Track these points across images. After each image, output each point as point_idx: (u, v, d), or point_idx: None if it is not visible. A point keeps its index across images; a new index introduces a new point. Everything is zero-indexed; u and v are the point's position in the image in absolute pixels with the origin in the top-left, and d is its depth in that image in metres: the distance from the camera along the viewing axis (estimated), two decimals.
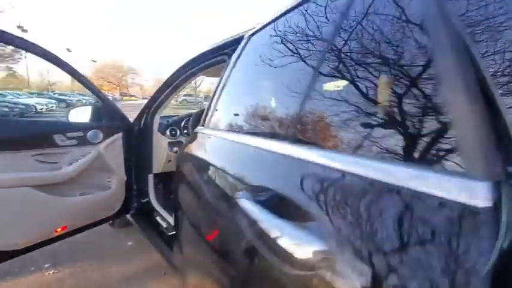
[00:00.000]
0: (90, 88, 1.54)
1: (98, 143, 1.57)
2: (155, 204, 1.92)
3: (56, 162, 1.40)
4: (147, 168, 1.93)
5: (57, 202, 1.39)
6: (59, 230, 1.45)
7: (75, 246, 2.07)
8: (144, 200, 1.94)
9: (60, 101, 19.85)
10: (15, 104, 12.56)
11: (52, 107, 16.82)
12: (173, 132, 1.97)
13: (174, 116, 2.26)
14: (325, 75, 0.56)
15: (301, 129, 0.57)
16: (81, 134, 1.48)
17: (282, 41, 0.77)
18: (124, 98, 43.50)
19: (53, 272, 1.88)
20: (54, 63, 1.37)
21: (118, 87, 54.76)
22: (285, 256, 0.41)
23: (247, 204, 0.52)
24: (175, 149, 1.94)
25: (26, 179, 1.25)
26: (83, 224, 1.56)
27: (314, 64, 0.59)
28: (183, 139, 2.03)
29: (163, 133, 1.93)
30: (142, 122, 1.92)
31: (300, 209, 0.44)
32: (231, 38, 1.14)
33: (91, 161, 1.50)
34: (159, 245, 1.63)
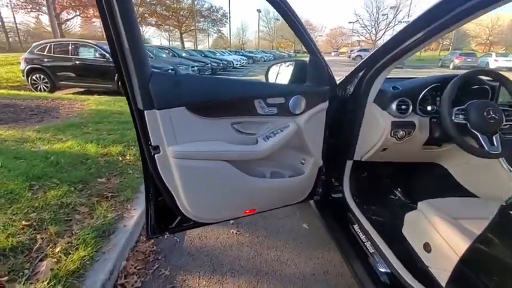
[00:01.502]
0: (298, 34, 1.10)
1: (299, 114, 1.16)
2: (350, 200, 1.41)
3: (252, 134, 1.12)
4: (346, 151, 1.40)
5: (250, 182, 1.14)
6: (248, 211, 1.24)
7: (256, 220, 2.04)
8: (336, 195, 1.48)
9: (249, 57, 23.32)
10: (220, 60, 15.80)
11: (244, 63, 20.05)
12: (402, 107, 1.26)
13: (407, 78, 1.51)
14: None
15: None
16: (282, 100, 1.11)
17: None
18: (298, 55, 45.57)
19: (236, 232, 1.88)
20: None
21: (293, 44, 57.92)
22: None
23: None
24: (400, 133, 1.26)
25: (226, 153, 1.02)
26: (270, 207, 1.31)
27: None
28: (416, 120, 1.31)
29: (385, 107, 1.27)
30: (350, 88, 1.34)
31: None
32: None
33: (289, 137, 1.13)
34: (352, 262, 1.16)
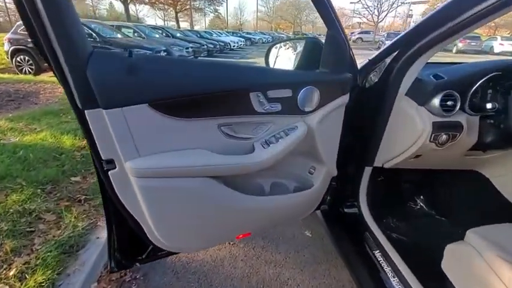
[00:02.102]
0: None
1: (310, 112, 0.87)
2: (367, 216, 1.15)
3: (247, 138, 0.83)
4: (365, 155, 1.12)
5: (243, 202, 0.87)
6: (240, 236, 0.97)
7: None
8: (349, 209, 1.21)
9: (246, 39, 22.44)
10: (217, 41, 15.10)
11: (241, 44, 19.26)
12: (448, 103, 0.95)
13: (451, 64, 1.17)
14: None
15: None
16: (288, 93, 0.81)
17: None
18: (296, 37, 44.31)
19: (230, 243, 1.64)
20: None
21: (292, 25, 56.23)
22: None
23: None
24: (443, 137, 0.96)
25: (210, 168, 0.74)
26: (269, 228, 1.04)
27: None
28: (464, 120, 1.01)
29: (424, 102, 0.98)
30: (374, 76, 1.04)
31: None
32: None
33: (297, 142, 0.85)
34: None
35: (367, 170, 1.15)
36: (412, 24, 0.92)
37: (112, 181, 0.71)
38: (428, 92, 0.96)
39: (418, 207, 1.42)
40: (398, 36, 0.97)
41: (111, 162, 0.69)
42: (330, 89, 0.88)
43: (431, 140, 0.96)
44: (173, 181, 0.74)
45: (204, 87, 0.72)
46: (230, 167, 0.79)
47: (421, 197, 1.45)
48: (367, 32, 28.71)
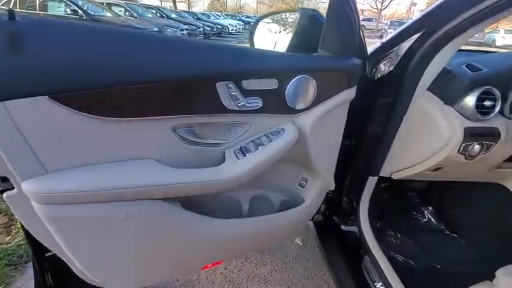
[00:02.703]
0: None
1: (303, 110, 0.64)
2: (367, 235, 0.95)
3: (215, 144, 0.61)
4: (369, 163, 0.91)
5: (211, 228, 0.66)
6: (209, 266, 0.77)
7: None
8: (347, 226, 1.01)
9: (246, 22, 21.61)
10: (214, 24, 14.46)
11: (240, 28, 18.52)
12: (485, 104, 0.72)
13: (473, 52, 0.93)
14: None
15: None
16: (273, 84, 0.59)
17: None
18: None
19: None
20: None
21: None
22: None
23: None
24: (475, 148, 0.74)
25: (156, 188, 0.52)
26: (248, 252, 0.84)
27: None
28: (502, 125, 0.78)
29: (453, 100, 0.74)
30: (387, 64, 0.82)
31: None
32: None
33: (283, 150, 0.62)
34: None
35: (371, 181, 0.94)
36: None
37: (10, 205, 0.49)
38: (460, 88, 0.73)
39: (429, 224, 1.23)
40: (424, 12, 0.73)
41: (5, 180, 0.47)
42: (331, 79, 0.66)
43: (460, 151, 0.74)
44: (102, 208, 0.52)
45: (146, 73, 0.49)
46: (189, 186, 0.57)
47: (432, 211, 1.26)
48: (369, 20, 27.85)
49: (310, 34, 0.73)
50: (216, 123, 0.61)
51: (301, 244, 1.55)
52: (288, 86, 0.61)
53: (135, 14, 8.77)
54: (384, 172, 0.93)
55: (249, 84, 0.57)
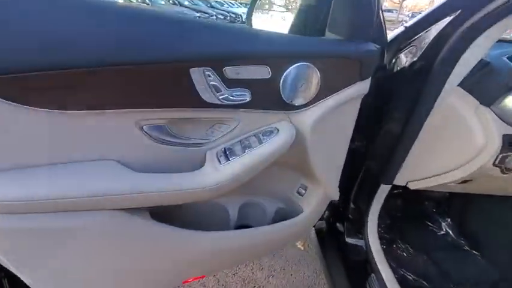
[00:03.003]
0: None
1: (301, 106, 0.52)
2: (375, 251, 0.83)
3: (195, 145, 0.51)
4: (382, 169, 0.78)
5: (190, 242, 0.56)
6: (191, 280, 0.67)
7: None
8: (352, 238, 0.89)
9: None
10: (228, 12, 14.16)
11: None
12: None
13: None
14: None
15: None
16: (264, 72, 0.46)
17: None
18: None
19: None
20: None
21: None
22: None
23: None
24: None
25: (115, 197, 0.42)
26: (235, 266, 0.75)
27: None
28: None
29: (491, 100, 0.59)
30: (409, 54, 0.68)
31: None
32: None
33: (276, 154, 0.51)
34: None
35: (383, 189, 0.81)
36: None
37: None
38: (500, 85, 0.59)
39: (446, 238, 1.09)
40: None
41: None
42: (340, 69, 0.53)
43: (496, 163, 0.61)
44: (45, 220, 0.42)
45: (95, 54, 0.38)
46: (152, 195, 0.47)
47: (451, 223, 1.11)
48: (389, 11, 26.63)
49: (316, 12, 0.60)
50: (193, 120, 0.50)
51: (302, 248, 1.44)
52: (284, 76, 0.49)
53: (147, 0, 8.67)
54: (399, 180, 0.80)
55: (234, 72, 0.45)
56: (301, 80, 0.50)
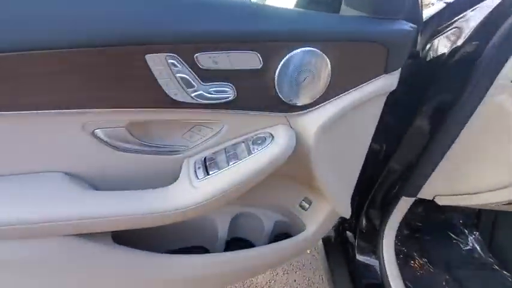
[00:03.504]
0: None
1: (305, 108, 0.39)
2: (392, 274, 0.71)
3: (168, 152, 0.39)
4: (404, 179, 0.65)
5: (164, 268, 0.46)
6: None
7: None
8: (366, 252, 0.77)
9: None
10: None
11: None
12: None
13: None
14: None
15: None
16: (254, 61, 0.34)
17: None
18: None
19: None
20: None
21: None
22: None
23: None
24: None
25: (59, 224, 0.32)
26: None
27: None
28: None
29: None
30: (448, 41, 0.52)
31: None
32: None
33: (268, 170, 0.39)
34: None
35: (405, 202, 0.68)
36: None
37: None
38: None
39: (472, 255, 0.95)
40: None
41: None
42: (359, 56, 0.39)
43: None
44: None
45: (20, 35, 0.27)
46: (115, 220, 0.36)
47: (478, 238, 0.97)
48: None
49: None
50: (165, 122, 0.39)
51: (308, 252, 1.34)
52: (281, 66, 0.36)
53: None
54: (425, 193, 0.66)
55: (210, 60, 0.33)
56: (304, 72, 0.37)
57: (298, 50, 0.36)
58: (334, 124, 0.42)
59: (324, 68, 0.38)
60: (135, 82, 0.33)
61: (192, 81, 0.34)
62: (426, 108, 0.57)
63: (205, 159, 0.42)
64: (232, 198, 0.41)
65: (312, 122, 0.41)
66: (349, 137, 0.47)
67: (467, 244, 1.01)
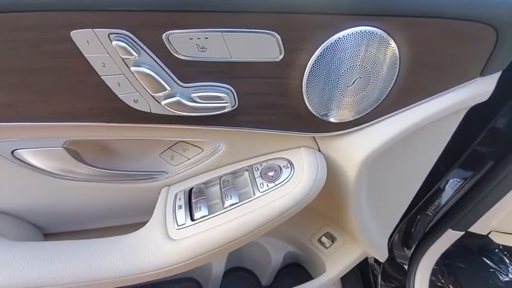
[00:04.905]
0: None
1: (343, 126, 0.24)
2: None
3: (141, 180, 0.26)
4: (460, 211, 0.50)
5: None
6: None
7: None
8: (391, 284, 0.64)
9: None
10: None
11: None
12: None
13: None
14: None
15: None
16: (271, 49, 0.18)
17: None
18: None
19: None
20: None
21: None
22: None
23: None
24: None
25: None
26: None
27: None
28: None
29: None
30: None
31: None
32: None
33: (284, 216, 0.24)
34: None
35: (451, 236, 0.54)
36: None
37: None
38: None
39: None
40: None
41: None
42: (446, 44, 0.23)
43: None
44: None
45: None
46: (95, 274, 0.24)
47: None
48: None
49: None
50: (127, 141, 0.25)
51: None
52: (315, 58, 0.21)
53: None
54: (478, 228, 0.52)
55: (193, 44, 0.19)
56: (354, 69, 0.22)
57: (347, 31, 0.20)
58: (389, 150, 0.27)
59: (388, 62, 0.23)
60: (55, 77, 0.19)
61: (162, 81, 0.19)
62: (495, 130, 0.41)
63: (190, 191, 0.29)
64: (225, 253, 0.28)
65: (356, 148, 0.27)
66: (404, 167, 0.32)
67: (507, 274, 0.87)
